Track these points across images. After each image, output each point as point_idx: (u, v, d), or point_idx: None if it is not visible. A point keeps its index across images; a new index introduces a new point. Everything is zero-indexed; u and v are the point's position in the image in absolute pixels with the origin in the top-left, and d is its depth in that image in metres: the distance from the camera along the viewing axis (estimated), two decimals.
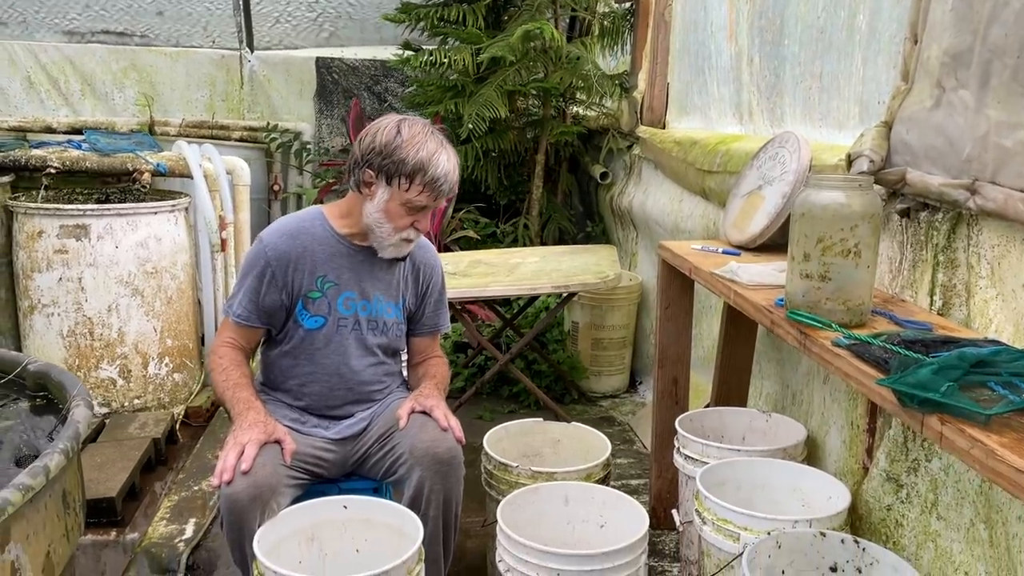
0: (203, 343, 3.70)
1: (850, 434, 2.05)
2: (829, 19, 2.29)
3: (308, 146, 5.53)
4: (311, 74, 5.54)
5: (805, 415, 2.31)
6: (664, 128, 3.74)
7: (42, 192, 3.42)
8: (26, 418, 2.28)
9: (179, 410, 3.44)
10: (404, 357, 2.20)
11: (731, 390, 2.61)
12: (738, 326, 2.55)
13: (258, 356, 2.14)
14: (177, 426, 3.35)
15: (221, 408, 3.57)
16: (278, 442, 1.80)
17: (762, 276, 1.99)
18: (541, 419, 2.47)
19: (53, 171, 3.45)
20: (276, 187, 5.48)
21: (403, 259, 2.03)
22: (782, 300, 1.76)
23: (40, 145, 3.74)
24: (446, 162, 1.87)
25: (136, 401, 3.35)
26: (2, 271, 3.39)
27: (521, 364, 3.68)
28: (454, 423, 1.92)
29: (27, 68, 5.38)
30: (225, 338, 2.01)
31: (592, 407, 3.74)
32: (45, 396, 2.37)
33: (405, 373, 2.20)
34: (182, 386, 3.51)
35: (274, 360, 2.04)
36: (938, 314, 1.69)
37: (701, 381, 3.06)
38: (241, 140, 5.32)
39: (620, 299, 3.75)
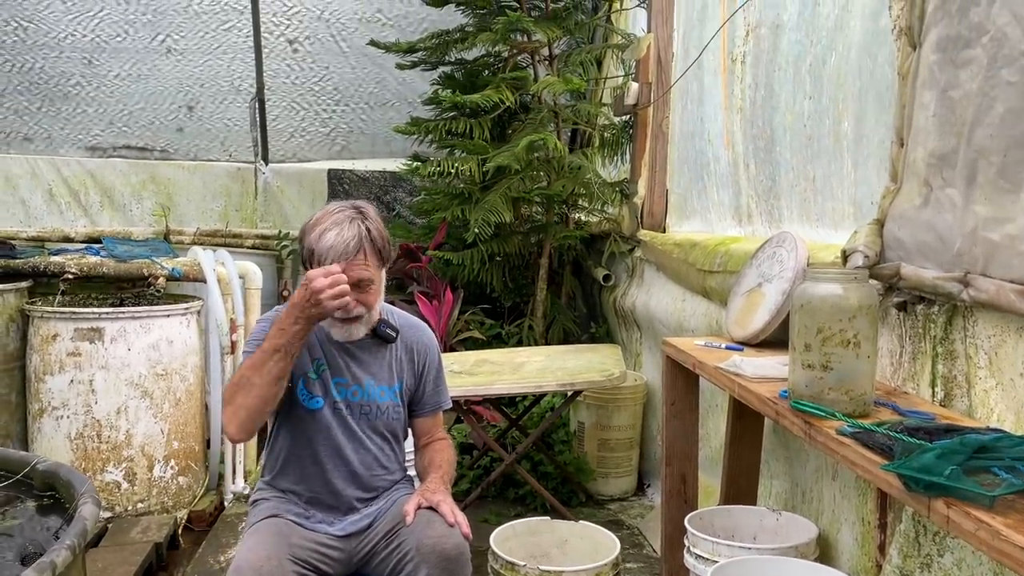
0: (208, 446, 3.70)
1: (861, 530, 2.03)
2: (816, 127, 2.42)
3: None
4: (323, 185, 5.74)
5: (816, 513, 2.29)
6: (664, 232, 3.85)
7: (59, 297, 3.50)
8: (33, 517, 2.28)
9: (182, 514, 3.40)
10: (409, 447, 2.20)
11: (740, 489, 2.59)
12: (745, 423, 2.56)
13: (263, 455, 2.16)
14: (179, 531, 3.31)
15: (224, 513, 3.53)
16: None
17: (766, 369, 2.02)
18: (548, 518, 2.45)
19: (71, 276, 3.54)
20: (285, 292, 5.57)
21: (393, 341, 2.07)
22: (786, 392, 1.79)
23: (59, 252, 3.86)
24: (333, 235, 1.88)
25: (140, 505, 3.32)
26: (14, 375, 3.43)
27: (527, 466, 3.66)
28: (461, 519, 1.91)
29: (49, 181, 5.59)
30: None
31: (600, 510, 3.68)
32: (52, 496, 2.37)
33: (412, 458, 2.20)
34: (186, 489, 3.48)
35: (278, 448, 2.06)
36: (940, 405, 1.71)
37: (710, 482, 3.03)
38: (253, 247, 5.46)
39: (626, 399, 3.76)
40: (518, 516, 3.50)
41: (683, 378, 2.54)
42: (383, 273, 2.02)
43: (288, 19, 5.25)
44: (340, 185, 5.75)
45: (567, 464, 3.74)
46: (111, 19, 5.14)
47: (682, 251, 3.33)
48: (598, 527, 2.37)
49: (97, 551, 2.98)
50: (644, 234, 3.88)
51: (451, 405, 2.30)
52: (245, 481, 3.65)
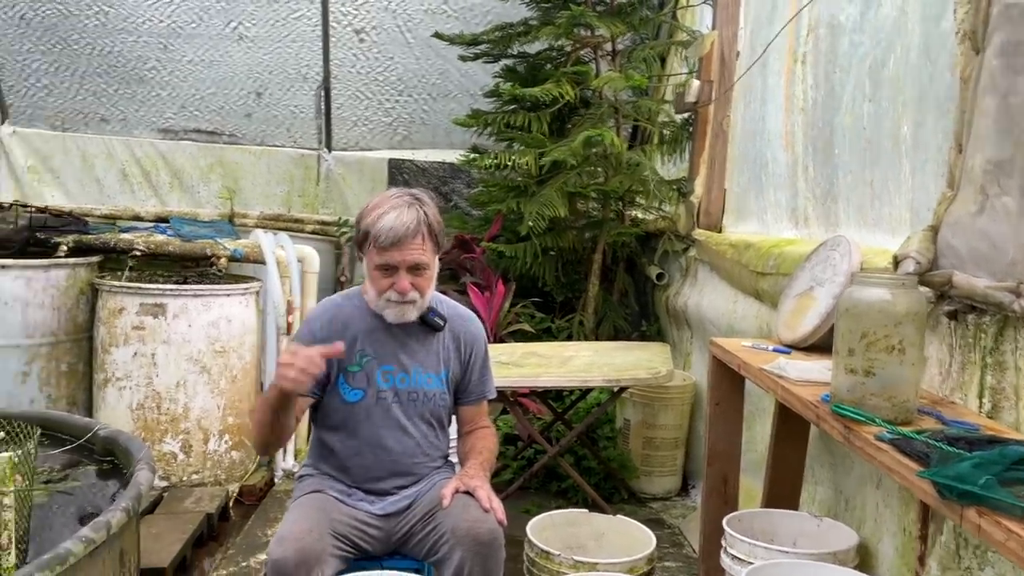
0: None
1: (903, 541, 2.00)
2: (875, 130, 2.37)
3: None
4: (383, 174, 5.82)
5: (858, 521, 2.26)
6: (720, 232, 3.81)
7: (126, 272, 3.65)
8: (93, 480, 2.39)
9: (234, 488, 3.52)
10: (453, 434, 2.24)
11: (783, 493, 2.56)
12: (790, 427, 2.53)
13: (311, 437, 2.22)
14: (231, 503, 3.42)
15: (273, 489, 3.64)
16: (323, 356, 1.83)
17: (810, 373, 2.01)
18: (586, 510, 2.46)
19: (138, 253, 3.69)
20: (343, 278, 5.69)
21: (441, 330, 2.10)
22: (828, 396, 1.77)
23: (129, 229, 4.02)
24: (392, 217, 1.93)
25: (194, 476, 3.45)
26: (82, 346, 3.60)
27: (571, 460, 3.68)
28: (496, 505, 1.94)
29: (123, 161, 5.80)
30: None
31: (641, 508, 3.68)
32: (112, 461, 2.49)
33: (454, 447, 2.24)
34: (239, 464, 3.60)
35: (321, 436, 2.12)
36: (987, 416, 1.68)
37: (754, 485, 3.00)
38: (313, 233, 5.58)
39: (673, 398, 3.74)
40: (559, 508, 3.53)
41: (729, 379, 2.53)
42: (436, 260, 2.05)
43: (356, 9, 5.33)
44: (400, 174, 5.83)
45: (611, 460, 3.74)
46: (187, 5, 5.29)
47: (736, 252, 3.30)
48: (634, 522, 2.37)
49: (153, 518, 3.11)
50: (699, 233, 3.85)
51: (496, 395, 2.33)
52: (295, 459, 3.75)
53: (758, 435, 3.11)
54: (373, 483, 2.08)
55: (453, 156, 5.44)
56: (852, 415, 1.62)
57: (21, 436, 1.90)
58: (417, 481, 2.11)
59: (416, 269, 1.97)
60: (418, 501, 2.06)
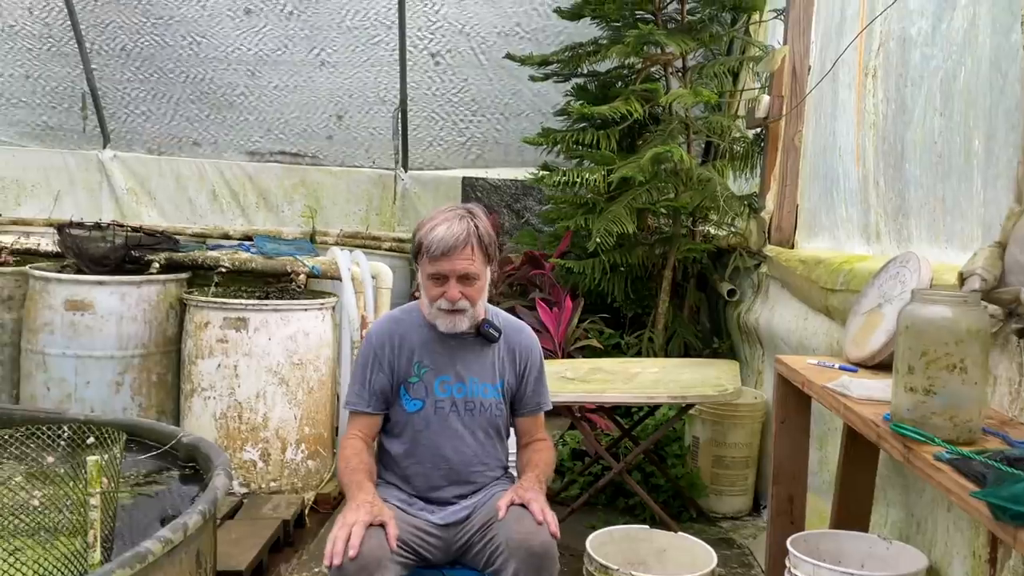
0: (336, 433, 3.93)
1: (972, 565, 1.93)
2: (946, 144, 2.32)
3: None
4: (457, 192, 5.95)
5: (928, 544, 2.20)
6: (792, 248, 3.76)
7: (213, 288, 3.84)
8: (176, 485, 2.53)
9: (310, 496, 3.64)
10: (512, 447, 2.29)
11: (851, 514, 2.50)
12: (858, 447, 2.47)
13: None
14: (306, 511, 3.54)
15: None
16: (382, 525, 1.91)
17: (874, 391, 1.97)
18: (647, 526, 2.46)
19: (224, 270, 3.88)
20: (417, 294, 5.80)
21: (495, 341, 2.16)
22: (890, 415, 1.74)
23: (216, 247, 4.23)
24: (443, 229, 2.01)
25: (272, 484, 3.59)
26: (171, 357, 3.79)
27: (638, 477, 3.66)
28: (550, 517, 1.96)
29: (213, 182, 6.11)
30: (349, 432, 2.20)
31: (711, 527, 3.64)
32: (193, 467, 2.62)
33: (514, 461, 2.29)
34: (314, 473, 3.72)
35: (385, 445, 2.21)
36: None
37: (826, 507, 2.94)
38: (390, 250, 5.74)
39: (743, 416, 3.69)
40: (626, 525, 3.52)
41: (794, 397, 2.49)
42: (488, 272, 2.12)
43: (432, 33, 5.49)
44: (473, 192, 5.94)
45: (679, 478, 3.72)
46: (273, 34, 5.55)
47: (806, 268, 3.25)
48: (696, 539, 2.36)
49: (233, 523, 3.25)
50: (770, 249, 3.80)
51: (552, 407, 2.37)
52: None
53: (831, 455, 3.04)
54: (433, 491, 2.14)
55: (525, 174, 5.52)
56: (912, 434, 1.59)
57: (109, 441, 2.03)
58: (476, 491, 2.16)
59: (466, 279, 2.04)
60: (477, 512, 2.11)
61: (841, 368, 2.32)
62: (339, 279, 3.93)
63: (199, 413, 3.58)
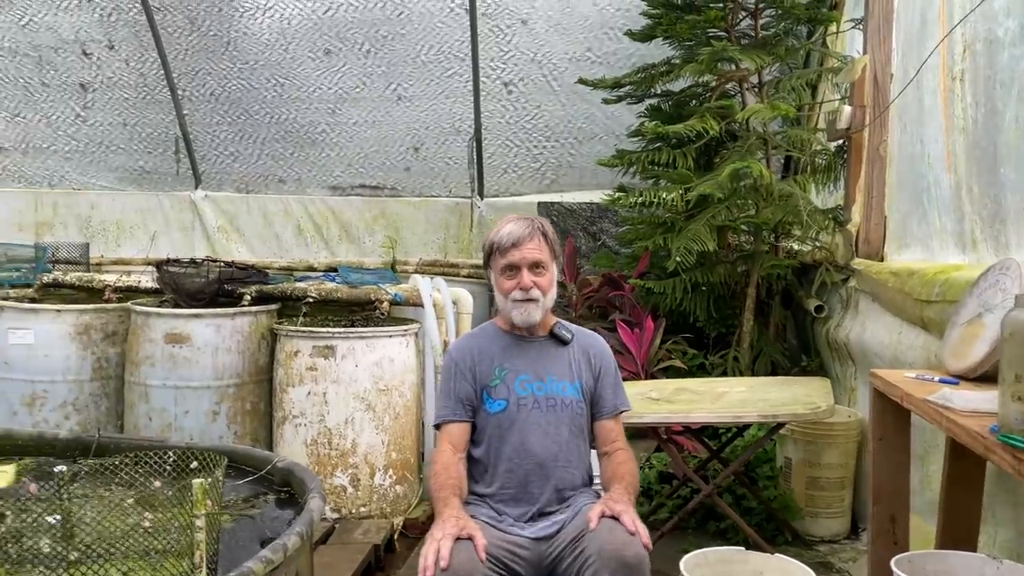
0: (422, 459, 3.98)
1: None
2: None
3: None
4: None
5: None
6: (882, 260, 3.64)
7: (301, 318, 3.96)
8: (272, 509, 2.60)
9: (398, 520, 3.69)
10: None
11: (958, 534, 2.39)
12: (963, 463, 2.37)
13: None
14: (395, 536, 3.59)
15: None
16: (470, 537, 1.94)
17: (978, 403, 1.89)
18: (742, 548, 2.41)
19: (311, 300, 4.00)
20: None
21: (569, 343, 2.28)
22: (997, 427, 1.67)
23: (303, 279, 4.37)
24: (511, 226, 2.21)
25: (362, 509, 3.65)
26: (263, 386, 3.92)
27: (729, 499, 3.58)
28: (642, 529, 1.98)
29: (298, 217, 6.33)
30: (440, 446, 2.28)
31: (807, 551, 3.51)
32: (288, 491, 2.69)
33: (595, 466, 2.31)
34: (402, 498, 3.77)
35: (473, 455, 2.26)
36: None
37: (930, 529, 2.81)
38: (468, 276, 5.81)
39: (837, 435, 3.57)
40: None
41: (892, 412, 2.41)
42: (555, 268, 2.26)
43: (504, 63, 5.58)
44: (549, 216, 5.97)
45: (771, 500, 3.61)
46: (351, 72, 5.74)
47: (899, 280, 3.15)
48: (795, 561, 2.29)
49: (325, 548, 3.31)
50: (859, 263, 3.70)
51: (630, 407, 2.42)
52: None
53: (933, 474, 2.92)
54: (521, 490, 2.17)
55: (600, 196, 5.53)
56: (1022, 445, 1.52)
57: (211, 466, 2.11)
58: (565, 501, 2.19)
59: (536, 267, 2.19)
60: (566, 526, 2.12)
61: (941, 381, 2.24)
62: (421, 306, 4.00)
63: (291, 440, 3.68)
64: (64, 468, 2.02)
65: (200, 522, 1.86)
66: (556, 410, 2.21)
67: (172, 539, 1.93)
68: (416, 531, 3.69)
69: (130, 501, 1.85)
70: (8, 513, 1.74)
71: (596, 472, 2.32)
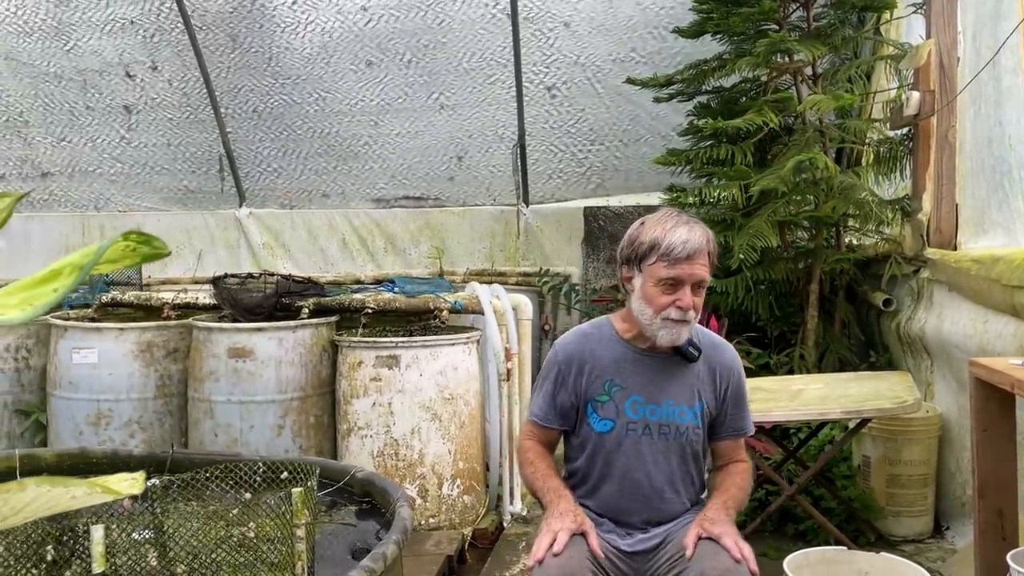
0: (487, 468, 3.92)
1: None
2: None
3: (576, 287, 5.85)
4: (579, 222, 5.94)
5: None
6: (955, 249, 3.54)
7: (360, 329, 3.92)
8: (355, 519, 2.56)
9: (468, 531, 3.62)
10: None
11: None
12: None
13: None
14: (466, 547, 3.52)
15: (504, 533, 3.72)
16: (584, 535, 1.87)
17: None
18: (845, 548, 2.31)
19: (370, 311, 3.96)
20: (547, 326, 5.81)
21: (695, 361, 2.04)
22: None
23: (359, 290, 4.33)
24: (685, 231, 1.90)
25: (431, 520, 3.59)
26: (326, 399, 3.88)
27: (807, 501, 3.47)
28: (748, 553, 1.86)
29: (343, 231, 6.33)
30: (527, 434, 2.18)
31: (892, 551, 3.37)
32: (369, 501, 2.65)
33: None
34: (470, 508, 3.71)
35: (571, 467, 2.15)
36: None
37: None
38: (516, 284, 5.76)
39: (917, 431, 3.46)
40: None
41: (996, 401, 2.31)
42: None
43: (547, 67, 5.55)
44: (596, 222, 5.91)
45: (852, 500, 3.51)
46: (393, 83, 5.74)
47: (982, 267, 3.04)
48: (903, 559, 2.21)
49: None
50: (933, 252, 3.59)
51: (754, 431, 2.25)
52: (523, 502, 3.82)
53: None
54: (622, 515, 2.07)
55: (648, 199, 5.46)
56: None
57: (303, 476, 2.07)
58: (667, 519, 2.07)
59: (699, 287, 1.94)
60: (667, 542, 2.01)
61: None
62: (479, 313, 3.95)
63: (356, 452, 3.63)
64: (157, 482, 1.99)
65: (300, 532, 1.82)
66: (668, 438, 2.02)
67: (272, 549, 1.89)
68: (486, 541, 3.63)
69: (234, 512, 1.81)
70: (114, 527, 1.71)
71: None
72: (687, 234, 1.90)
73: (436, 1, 5.35)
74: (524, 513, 3.84)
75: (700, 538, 1.90)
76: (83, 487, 0.99)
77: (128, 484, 1.06)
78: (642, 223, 2.00)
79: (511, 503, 3.82)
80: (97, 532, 1.49)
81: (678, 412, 2.04)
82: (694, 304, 1.93)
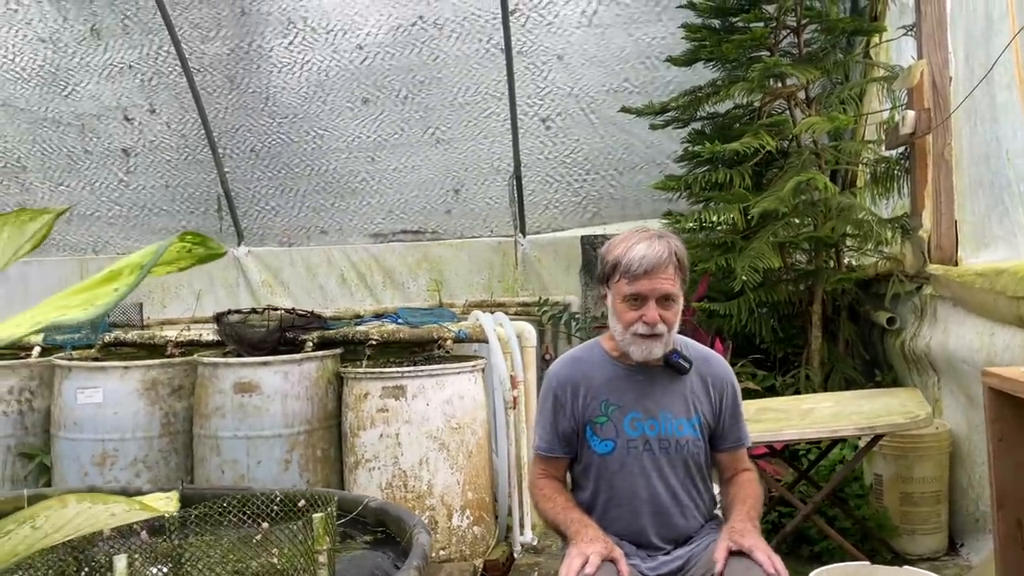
0: (495, 499, 3.88)
1: None
2: None
3: (576, 316, 5.85)
4: (577, 251, 5.95)
5: None
6: (957, 265, 3.57)
7: (364, 361, 3.90)
8: (371, 548, 2.53)
9: (479, 563, 3.57)
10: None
11: None
12: None
13: None
14: None
15: (515, 564, 3.67)
16: (614, 560, 1.84)
17: None
18: (868, 563, 2.30)
19: (374, 342, 3.95)
20: (548, 355, 5.79)
21: (686, 372, 2.05)
22: None
23: (362, 323, 4.33)
24: (644, 247, 1.92)
25: (442, 552, 3.54)
26: (332, 432, 3.85)
27: (822, 521, 3.45)
28: (780, 566, 1.83)
29: (341, 267, 6.33)
30: (538, 471, 2.15)
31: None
32: (383, 531, 2.62)
33: (717, 495, 2.18)
34: (480, 539, 3.66)
35: (579, 495, 2.12)
36: None
37: None
38: (516, 314, 5.73)
39: (929, 448, 3.45)
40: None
41: (1011, 409, 2.30)
42: (682, 298, 2.02)
43: (541, 99, 5.61)
44: (593, 250, 5.92)
45: (866, 519, 3.48)
46: (389, 119, 5.79)
47: (987, 280, 3.06)
48: (925, 572, 2.18)
49: None
50: (935, 268, 3.61)
51: (750, 442, 2.25)
52: (533, 532, 3.78)
53: None
54: (636, 536, 2.05)
55: (655, 225, 5.49)
56: None
57: (320, 504, 2.05)
58: (686, 538, 2.05)
59: (666, 300, 1.95)
60: (692, 564, 1.99)
61: None
62: (483, 342, 3.94)
63: (365, 484, 3.59)
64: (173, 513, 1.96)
65: (323, 557, 1.79)
66: (670, 452, 2.02)
67: None
68: (497, 572, 3.58)
69: (257, 538, 1.79)
70: (137, 556, 1.68)
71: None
72: (645, 250, 1.91)
73: (431, 38, 5.43)
74: (535, 543, 3.80)
75: (730, 551, 1.87)
76: (122, 503, 0.98)
77: (164, 502, 1.05)
78: (611, 242, 2.03)
79: (521, 533, 3.78)
80: (120, 562, 1.47)
81: (676, 426, 2.03)
82: (663, 318, 1.95)
